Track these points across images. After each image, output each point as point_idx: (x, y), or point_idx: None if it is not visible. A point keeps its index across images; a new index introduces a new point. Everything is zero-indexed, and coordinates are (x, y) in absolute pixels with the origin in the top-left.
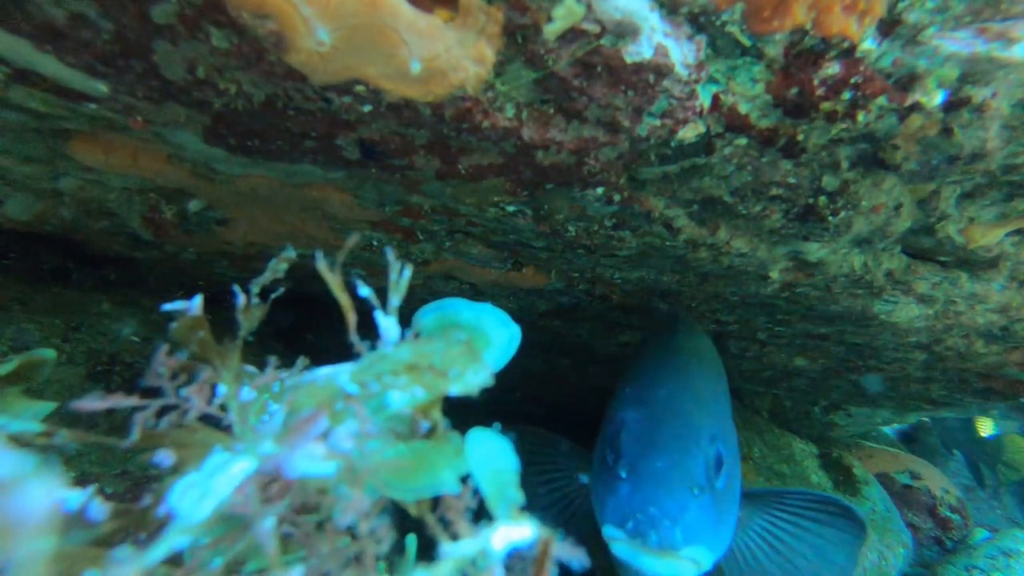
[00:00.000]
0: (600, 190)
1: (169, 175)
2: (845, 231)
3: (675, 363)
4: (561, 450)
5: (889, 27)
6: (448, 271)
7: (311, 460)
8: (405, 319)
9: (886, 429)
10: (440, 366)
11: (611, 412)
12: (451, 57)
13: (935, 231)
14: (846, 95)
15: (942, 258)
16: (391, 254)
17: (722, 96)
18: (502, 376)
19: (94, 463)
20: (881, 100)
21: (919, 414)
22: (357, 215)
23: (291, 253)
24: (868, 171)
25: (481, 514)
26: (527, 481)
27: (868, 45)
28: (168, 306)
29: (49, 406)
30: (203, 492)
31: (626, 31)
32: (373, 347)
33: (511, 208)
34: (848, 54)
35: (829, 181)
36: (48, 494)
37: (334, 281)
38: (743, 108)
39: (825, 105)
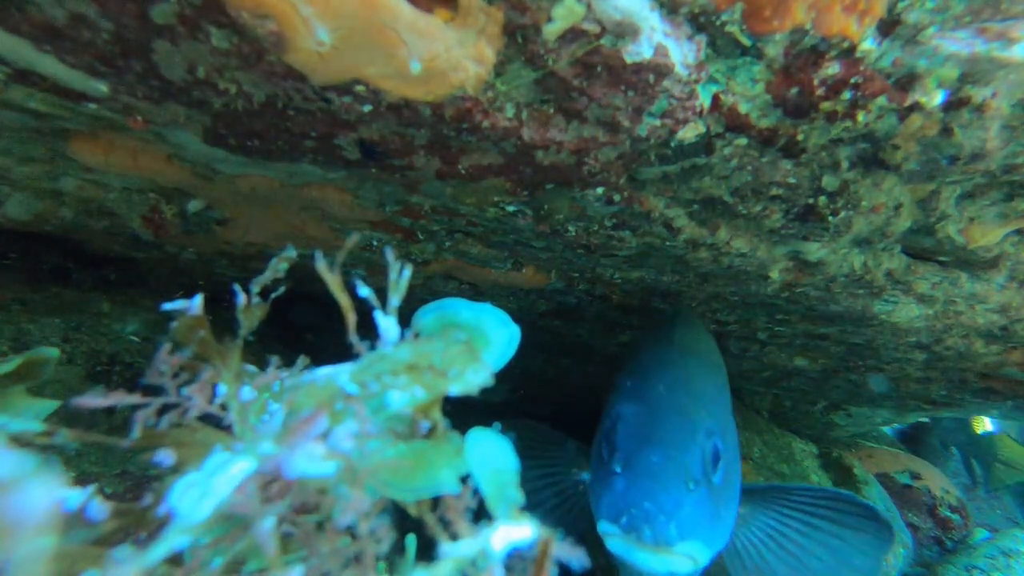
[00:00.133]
0: (600, 190)
1: (169, 175)
2: (845, 231)
3: (672, 357)
4: (561, 446)
5: (889, 27)
6: (448, 271)
7: (311, 460)
8: (405, 319)
9: (886, 429)
10: (440, 366)
11: (608, 407)
12: (451, 57)
13: (935, 231)
14: (846, 95)
15: (942, 258)
16: (390, 254)
17: (722, 96)
18: (504, 376)
19: (94, 463)
20: (881, 100)
21: (919, 414)
22: (357, 215)
23: (292, 252)
24: (868, 171)
25: (481, 514)
26: (526, 476)
27: (868, 45)
28: (168, 305)
29: (52, 404)
30: (203, 492)
31: (626, 31)
32: (373, 347)
33: (511, 208)
34: (848, 54)
35: (829, 181)
36: (48, 494)
37: (334, 281)
38: (743, 108)
39: (825, 105)
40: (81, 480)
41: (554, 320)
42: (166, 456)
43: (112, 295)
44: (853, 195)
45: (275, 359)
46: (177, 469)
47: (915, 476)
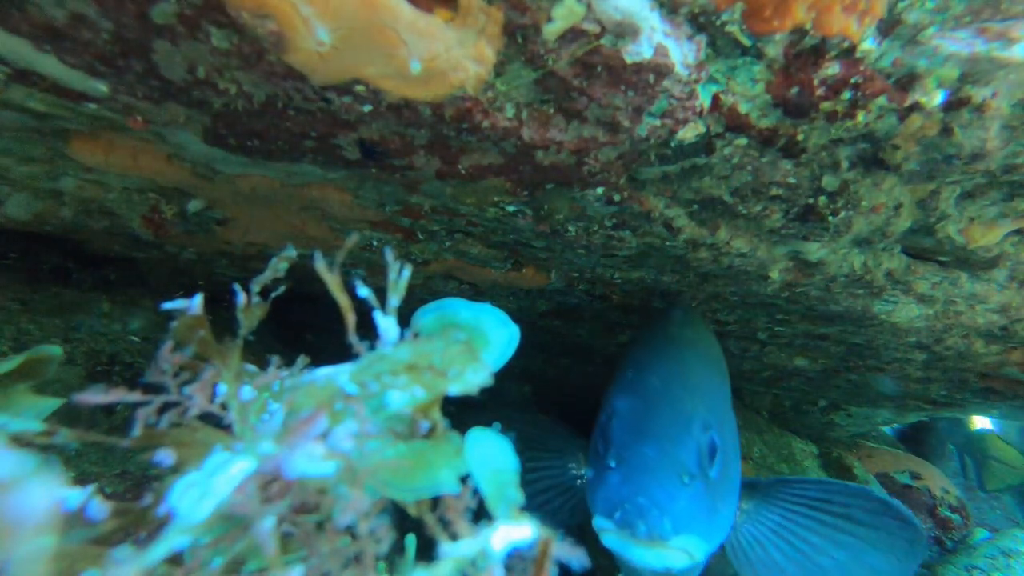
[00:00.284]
0: (600, 190)
1: (169, 175)
2: (845, 231)
3: (668, 351)
4: (565, 439)
5: (889, 27)
6: (448, 271)
7: (311, 460)
8: (405, 319)
9: (886, 429)
10: (439, 366)
11: (605, 401)
12: (451, 57)
13: (935, 231)
14: (846, 95)
15: (942, 258)
16: (390, 254)
17: (722, 96)
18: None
19: (94, 463)
20: (881, 100)
21: (919, 414)
22: (357, 215)
23: (291, 252)
24: (868, 171)
25: (481, 514)
26: (528, 467)
27: (868, 45)
28: (168, 305)
29: (55, 402)
30: (203, 492)
31: (626, 31)
32: (372, 347)
33: (511, 208)
34: (848, 54)
35: (829, 181)
36: (48, 493)
37: (333, 282)
38: (743, 108)
39: (825, 105)
40: (81, 480)
41: (554, 320)
42: (166, 456)
43: (112, 295)
44: (853, 195)
45: (275, 359)
46: (177, 469)
47: (915, 476)
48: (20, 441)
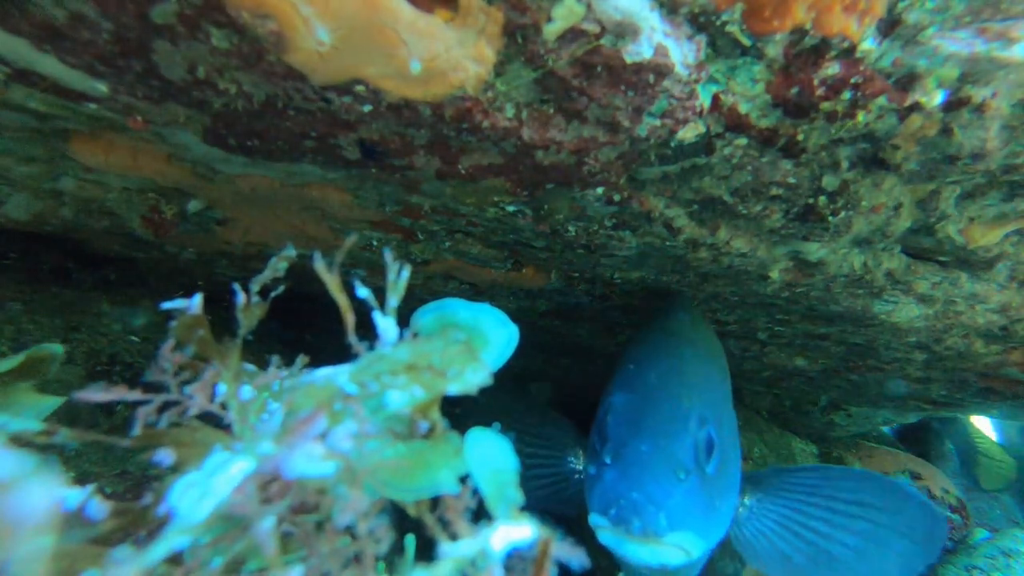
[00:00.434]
0: (600, 190)
1: (169, 175)
2: (845, 231)
3: (667, 346)
4: (564, 433)
5: (889, 27)
6: (448, 271)
7: (310, 460)
8: (405, 319)
9: (885, 429)
10: (439, 365)
11: (603, 397)
12: (451, 57)
13: (935, 231)
14: (846, 95)
15: (942, 258)
16: (389, 255)
17: (722, 96)
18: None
19: (94, 463)
20: (881, 100)
21: (919, 414)
22: (357, 215)
23: (291, 252)
24: (868, 171)
25: (481, 514)
26: (527, 452)
27: (868, 45)
28: (168, 304)
29: (56, 401)
30: (203, 491)
31: (626, 31)
32: (372, 348)
33: (511, 208)
34: (848, 54)
35: (829, 181)
36: (48, 493)
37: (332, 282)
38: (743, 108)
39: (825, 105)
40: (81, 480)
41: (554, 320)
42: (166, 455)
43: (112, 295)
44: (853, 195)
45: (275, 359)
46: (177, 468)
47: (915, 476)
48: (20, 441)
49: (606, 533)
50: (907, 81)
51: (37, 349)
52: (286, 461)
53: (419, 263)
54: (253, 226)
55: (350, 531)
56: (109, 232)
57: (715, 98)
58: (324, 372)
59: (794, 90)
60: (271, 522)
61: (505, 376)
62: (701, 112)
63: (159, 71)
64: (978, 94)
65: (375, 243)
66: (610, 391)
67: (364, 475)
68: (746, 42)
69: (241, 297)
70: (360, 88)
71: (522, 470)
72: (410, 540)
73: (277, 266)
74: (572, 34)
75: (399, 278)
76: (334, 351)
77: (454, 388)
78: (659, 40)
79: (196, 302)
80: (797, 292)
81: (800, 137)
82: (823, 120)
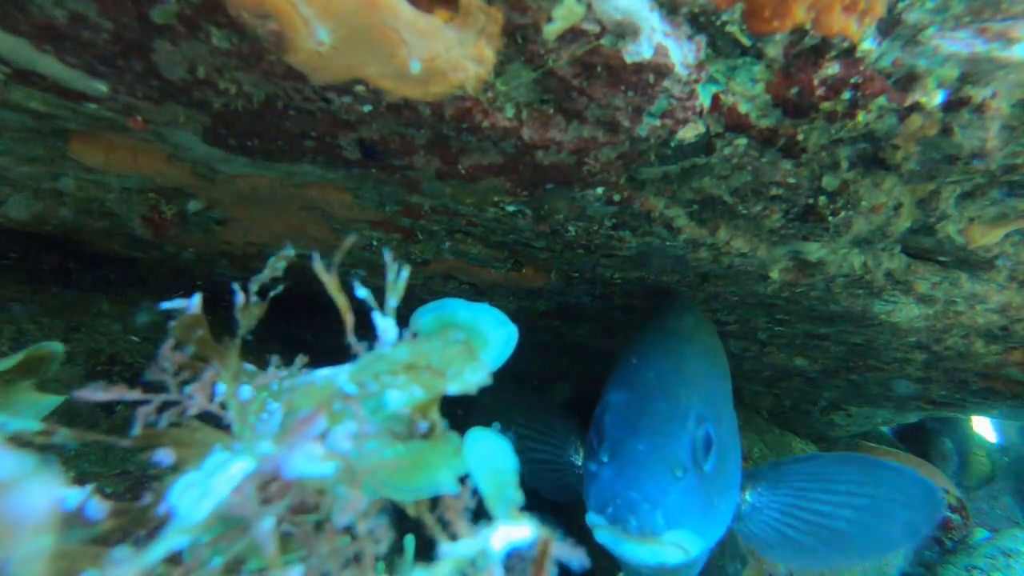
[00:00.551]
0: (600, 190)
1: (169, 175)
2: (845, 231)
3: (666, 344)
4: (568, 426)
5: (889, 27)
6: (448, 271)
7: (310, 460)
8: (405, 320)
9: (885, 429)
10: (438, 365)
11: (601, 395)
12: (451, 57)
13: (935, 231)
14: (846, 95)
15: (942, 258)
16: (388, 255)
17: (722, 96)
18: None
19: (94, 463)
20: (881, 100)
21: (919, 414)
22: (357, 215)
23: (290, 251)
24: (868, 171)
25: (480, 514)
26: (528, 436)
27: (868, 45)
28: (167, 304)
29: (57, 399)
30: (202, 491)
31: (626, 31)
32: (371, 348)
33: (511, 208)
34: (848, 54)
35: (829, 181)
36: (47, 493)
37: (331, 282)
38: (743, 108)
39: (825, 105)
40: (81, 480)
41: (554, 320)
42: (165, 455)
43: (112, 295)
44: (853, 195)
45: (274, 359)
46: (176, 468)
47: None
48: (19, 440)
49: (603, 532)
50: (907, 81)
51: (37, 347)
52: (286, 461)
53: (419, 263)
54: (253, 226)
55: (349, 531)
56: (109, 232)
57: (715, 98)
58: (324, 372)
59: (794, 90)
60: (271, 522)
61: (505, 376)
62: (701, 112)
63: (159, 71)
64: (978, 94)
65: (375, 243)
66: (608, 389)
67: (363, 475)
68: (746, 42)
69: (240, 297)
70: (360, 88)
71: (527, 455)
72: (409, 540)
73: (276, 266)
74: (572, 34)
75: (398, 278)
76: (334, 351)
77: (453, 388)
78: (659, 40)
79: (195, 302)
80: (797, 292)
81: (800, 137)
82: (823, 120)
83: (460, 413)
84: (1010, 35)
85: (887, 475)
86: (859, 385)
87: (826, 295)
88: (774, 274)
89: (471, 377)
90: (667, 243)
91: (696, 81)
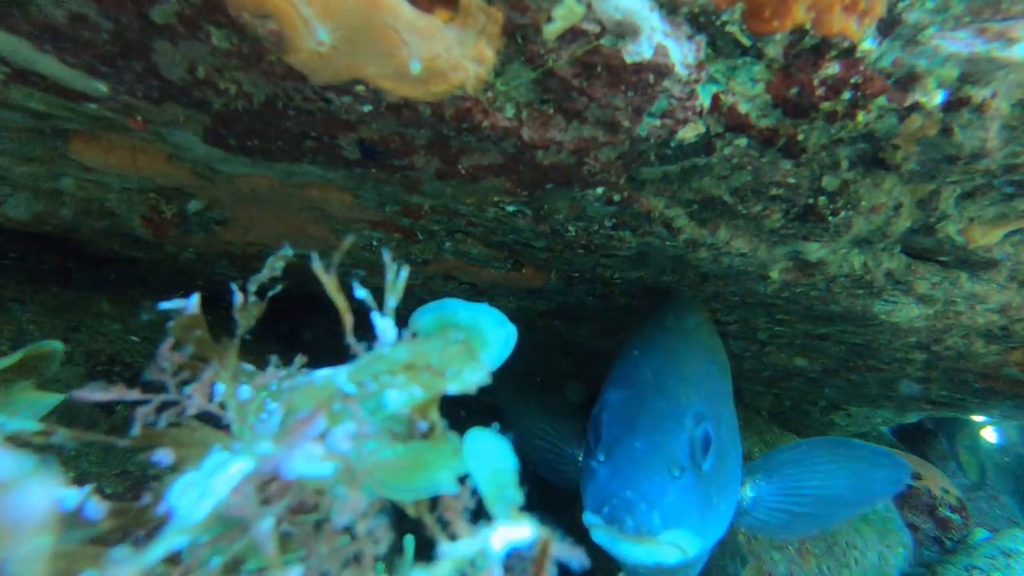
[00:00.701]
0: (600, 190)
1: (169, 175)
2: (845, 231)
3: (664, 342)
4: (571, 421)
5: (889, 27)
6: (448, 271)
7: (309, 461)
8: (405, 320)
9: (884, 429)
10: (437, 365)
11: (600, 394)
12: (451, 57)
13: (935, 231)
14: (846, 95)
15: (942, 258)
16: (387, 255)
17: (722, 96)
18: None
19: (94, 463)
20: (881, 100)
21: (919, 414)
22: (357, 215)
23: (288, 252)
24: (868, 171)
25: (480, 514)
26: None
27: (868, 45)
28: (165, 304)
29: (57, 398)
30: (202, 491)
31: (626, 31)
32: (370, 348)
33: (511, 208)
34: (848, 54)
35: (829, 181)
36: (46, 493)
37: (330, 282)
38: (743, 108)
39: (825, 105)
40: (81, 479)
41: (554, 320)
42: (165, 455)
43: (112, 295)
44: (853, 195)
45: (274, 358)
46: (176, 468)
47: (915, 476)
48: (18, 440)
49: (599, 532)
50: (907, 81)
51: (36, 346)
52: (285, 461)
53: (419, 263)
54: (253, 226)
55: (349, 531)
56: (109, 232)
57: (715, 98)
58: (323, 372)
59: (794, 90)
60: (270, 522)
61: (504, 376)
62: (701, 112)
63: (159, 71)
64: (978, 94)
65: (375, 243)
66: (605, 387)
67: (363, 475)
68: (746, 42)
69: (238, 297)
70: (360, 88)
71: (539, 449)
72: (409, 540)
73: (274, 266)
74: (572, 34)
75: (397, 279)
76: (334, 350)
77: (453, 388)
78: (659, 40)
79: (193, 302)
80: (797, 292)
81: (800, 137)
82: (823, 120)
83: (463, 414)
84: (1010, 35)
85: (857, 449)
86: (859, 385)
87: (826, 295)
88: (774, 274)
89: (470, 377)
90: (667, 243)
91: (696, 81)
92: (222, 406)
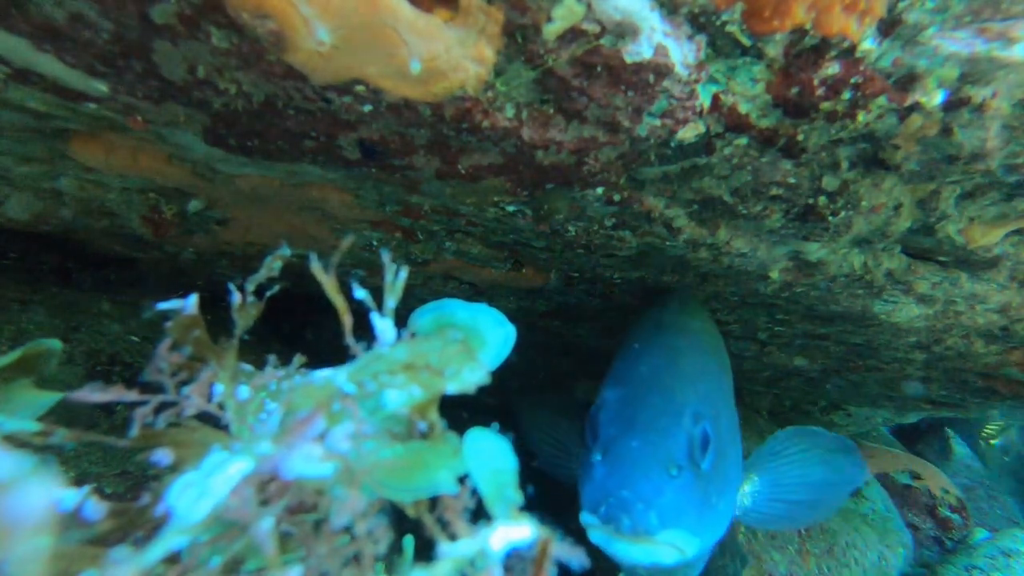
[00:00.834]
0: (600, 190)
1: (169, 175)
2: (845, 231)
3: (663, 339)
4: (573, 418)
5: (889, 27)
6: (448, 271)
7: (308, 461)
8: (405, 320)
9: (884, 429)
10: (437, 365)
11: (598, 392)
12: (451, 57)
13: (935, 231)
14: (846, 95)
15: (942, 258)
16: (386, 256)
17: (722, 96)
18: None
19: (94, 463)
20: (881, 100)
21: (919, 414)
22: (357, 215)
23: (286, 251)
24: (868, 171)
25: (480, 514)
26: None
27: (868, 45)
28: (164, 305)
29: (56, 396)
30: (201, 491)
31: (626, 31)
32: (370, 348)
33: (511, 208)
34: (848, 54)
35: (829, 181)
36: (45, 494)
37: (328, 283)
38: (743, 108)
39: (825, 105)
40: (81, 480)
41: (554, 320)
42: (164, 455)
43: (112, 295)
44: (853, 195)
45: (273, 358)
46: (175, 468)
47: (915, 476)
48: (17, 440)
49: (596, 532)
50: (907, 81)
51: (34, 345)
52: (284, 461)
53: (419, 263)
54: (253, 226)
55: (348, 531)
56: (109, 232)
57: (715, 98)
58: (322, 372)
59: (794, 90)
60: (270, 522)
61: (505, 375)
62: (701, 112)
63: (159, 71)
64: (978, 94)
65: (375, 243)
66: (603, 386)
67: (362, 476)
68: (746, 42)
69: (236, 297)
70: (360, 88)
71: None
72: (408, 540)
73: (272, 265)
74: (572, 34)
75: (396, 279)
76: (334, 350)
77: (452, 388)
78: (659, 40)
79: (191, 302)
80: (797, 292)
81: (800, 137)
82: (823, 120)
83: (466, 416)
84: (1010, 35)
85: (818, 436)
86: (859, 385)
87: (826, 295)
88: (774, 274)
89: (469, 376)
90: (667, 243)
91: (696, 81)
92: (221, 406)
